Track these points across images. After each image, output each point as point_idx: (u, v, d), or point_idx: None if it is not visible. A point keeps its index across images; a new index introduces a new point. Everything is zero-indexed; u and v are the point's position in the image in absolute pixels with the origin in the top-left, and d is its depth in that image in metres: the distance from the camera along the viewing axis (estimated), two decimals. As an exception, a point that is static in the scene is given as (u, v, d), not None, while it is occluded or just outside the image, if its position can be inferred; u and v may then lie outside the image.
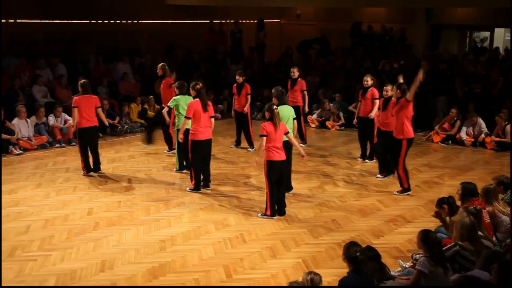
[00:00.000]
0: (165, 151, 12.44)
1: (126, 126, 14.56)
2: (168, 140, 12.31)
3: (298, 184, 10.31)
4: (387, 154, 10.51)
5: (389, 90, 10.51)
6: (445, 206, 7.25)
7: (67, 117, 13.57)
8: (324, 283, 5.60)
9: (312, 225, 8.42)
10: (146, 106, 15.36)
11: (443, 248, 6.09)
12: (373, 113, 11.25)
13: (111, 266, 7.01)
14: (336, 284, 5.75)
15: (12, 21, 15.91)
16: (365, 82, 11.49)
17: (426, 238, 5.85)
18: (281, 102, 9.29)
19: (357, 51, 18.67)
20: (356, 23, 19.80)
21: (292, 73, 12.96)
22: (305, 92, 12.99)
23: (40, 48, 16.27)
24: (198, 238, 7.93)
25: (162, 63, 12.40)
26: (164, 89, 12.00)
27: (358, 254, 5.48)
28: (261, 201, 9.37)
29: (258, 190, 9.95)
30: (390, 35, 19.18)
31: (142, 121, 15.08)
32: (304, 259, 7.24)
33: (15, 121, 12.62)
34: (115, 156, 12.34)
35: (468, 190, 7.41)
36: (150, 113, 15.21)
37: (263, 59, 20.32)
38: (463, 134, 13.54)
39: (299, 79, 12.93)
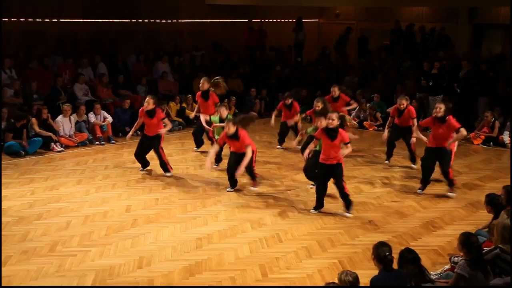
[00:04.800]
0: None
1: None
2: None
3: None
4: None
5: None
6: (490, 206, 7.11)
7: (106, 114, 13.79)
8: (361, 284, 5.55)
9: (348, 226, 8.36)
10: (184, 105, 15.49)
11: (483, 251, 5.98)
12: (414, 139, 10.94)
13: (148, 263, 7.10)
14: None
15: (56, 20, 16.24)
16: (401, 105, 11.22)
17: (466, 241, 5.75)
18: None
19: (396, 50, 18.48)
20: (397, 21, 19.63)
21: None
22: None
23: (83, 48, 16.56)
24: (234, 237, 7.96)
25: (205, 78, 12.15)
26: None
27: (387, 253, 5.46)
28: (297, 200, 9.36)
29: (294, 190, 9.94)
30: (430, 35, 18.92)
31: (181, 119, 15.20)
32: (340, 260, 7.20)
33: (60, 118, 12.92)
34: (153, 154, 12.42)
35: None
36: (188, 112, 15.33)
37: (301, 59, 20.29)
38: (505, 137, 13.24)
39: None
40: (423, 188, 9.87)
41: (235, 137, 9.54)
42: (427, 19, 20.38)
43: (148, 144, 10.81)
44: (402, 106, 11.16)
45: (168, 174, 10.79)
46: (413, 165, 11.45)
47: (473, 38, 19.74)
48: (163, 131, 10.68)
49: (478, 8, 18.95)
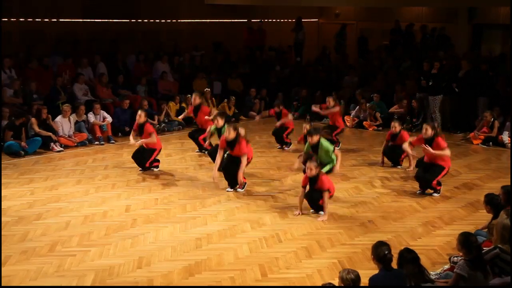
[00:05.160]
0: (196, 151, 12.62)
1: (164, 125, 14.69)
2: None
3: (335, 184, 10.21)
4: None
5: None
6: (489, 206, 7.11)
7: (105, 114, 13.79)
8: (361, 284, 5.55)
9: (348, 226, 8.36)
10: (184, 105, 15.49)
11: (483, 251, 5.98)
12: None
13: (148, 263, 7.09)
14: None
15: (55, 20, 16.25)
16: (394, 128, 11.26)
17: (466, 241, 5.74)
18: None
19: (396, 50, 18.48)
20: (396, 21, 19.66)
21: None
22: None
23: (83, 47, 16.56)
24: (234, 237, 7.95)
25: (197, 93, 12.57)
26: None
27: (386, 252, 5.47)
28: (297, 200, 9.33)
29: (294, 190, 9.92)
30: (431, 35, 18.92)
31: (180, 119, 15.19)
32: (340, 260, 7.19)
33: (59, 118, 12.92)
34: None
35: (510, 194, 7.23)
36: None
37: (301, 58, 20.29)
38: (505, 137, 13.23)
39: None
40: (422, 191, 9.92)
41: (233, 143, 9.59)
42: (427, 19, 20.37)
43: (143, 151, 10.99)
44: (394, 129, 11.24)
45: (156, 170, 11.10)
46: (398, 166, 11.54)
47: (473, 38, 19.74)
48: (144, 140, 10.84)
49: (477, 8, 18.96)
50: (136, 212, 8.85)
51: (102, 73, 15.43)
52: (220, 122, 10.83)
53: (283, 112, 13.19)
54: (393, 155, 11.50)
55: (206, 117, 12.17)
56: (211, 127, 11.48)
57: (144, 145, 10.91)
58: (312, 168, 8.58)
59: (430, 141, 9.62)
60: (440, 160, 9.66)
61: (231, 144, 9.66)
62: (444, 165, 9.71)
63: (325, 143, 9.82)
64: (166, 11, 18.66)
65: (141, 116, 10.85)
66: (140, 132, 10.92)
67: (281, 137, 13.06)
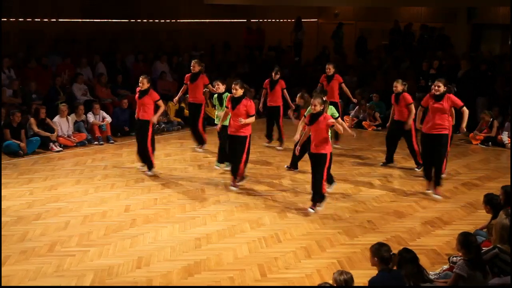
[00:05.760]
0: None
1: (163, 125, 14.69)
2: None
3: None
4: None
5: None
6: (489, 206, 7.12)
7: (104, 114, 13.78)
8: (360, 284, 5.56)
9: (347, 226, 8.36)
10: (183, 105, 15.48)
11: (482, 251, 5.98)
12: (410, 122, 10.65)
13: (147, 263, 7.10)
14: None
15: (54, 20, 16.25)
16: (395, 88, 10.82)
17: (465, 241, 5.75)
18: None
19: (395, 50, 18.49)
20: (395, 21, 19.68)
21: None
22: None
23: (82, 47, 16.56)
24: (233, 237, 7.96)
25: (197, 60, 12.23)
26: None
27: (391, 253, 5.46)
28: (296, 200, 9.36)
29: (293, 190, 9.94)
30: (429, 34, 18.93)
31: (179, 119, 15.20)
32: (339, 260, 7.20)
33: (57, 118, 12.90)
34: (157, 154, 12.42)
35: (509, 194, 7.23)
36: (187, 112, 15.32)
37: (299, 58, 20.30)
38: (504, 137, 13.24)
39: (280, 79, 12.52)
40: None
41: (237, 102, 9.37)
42: (426, 19, 20.39)
43: (138, 130, 10.66)
44: (395, 89, 10.77)
45: (149, 172, 10.65)
46: (416, 169, 11.14)
47: (472, 38, 19.76)
48: (154, 119, 10.50)
49: (477, 8, 18.99)
50: (135, 212, 8.85)
51: (101, 73, 15.42)
52: (222, 87, 10.32)
53: (280, 82, 12.47)
54: (393, 147, 11.42)
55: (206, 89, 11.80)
56: (215, 96, 10.76)
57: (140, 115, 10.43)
58: (316, 104, 8.37)
59: (440, 97, 9.27)
60: (441, 120, 9.28)
61: (235, 103, 9.34)
62: (447, 130, 9.36)
63: (330, 109, 9.36)
64: (166, 11, 18.67)
65: (143, 83, 10.29)
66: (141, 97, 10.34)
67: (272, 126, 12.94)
